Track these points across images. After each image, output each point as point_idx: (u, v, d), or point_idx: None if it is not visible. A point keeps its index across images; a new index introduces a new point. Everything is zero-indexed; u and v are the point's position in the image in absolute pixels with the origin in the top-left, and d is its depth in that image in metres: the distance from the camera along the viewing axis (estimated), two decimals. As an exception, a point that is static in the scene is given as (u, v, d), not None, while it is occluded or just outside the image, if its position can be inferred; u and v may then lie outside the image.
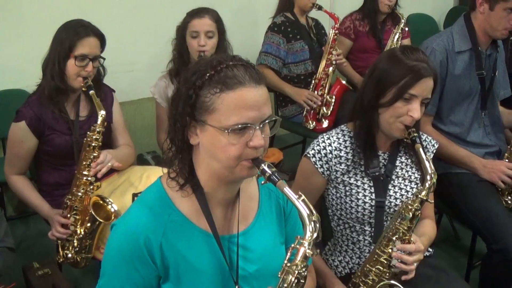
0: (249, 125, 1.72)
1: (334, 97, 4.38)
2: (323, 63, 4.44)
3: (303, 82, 4.64)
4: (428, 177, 2.41)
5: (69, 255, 3.05)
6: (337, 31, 4.45)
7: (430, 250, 2.81)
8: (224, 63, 1.76)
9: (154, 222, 1.84)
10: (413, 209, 2.37)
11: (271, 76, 4.55)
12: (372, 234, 2.58)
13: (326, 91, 4.43)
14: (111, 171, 3.21)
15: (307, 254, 1.74)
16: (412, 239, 2.40)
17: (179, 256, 1.84)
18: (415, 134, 2.47)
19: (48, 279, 3.06)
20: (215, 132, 1.74)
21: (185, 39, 3.72)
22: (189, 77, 1.78)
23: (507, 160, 3.40)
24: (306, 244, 1.74)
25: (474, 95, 3.46)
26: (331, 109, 4.40)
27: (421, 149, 2.46)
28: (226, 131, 1.71)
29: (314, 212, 1.74)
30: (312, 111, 4.43)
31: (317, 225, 1.74)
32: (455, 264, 3.24)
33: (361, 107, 2.55)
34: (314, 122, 4.46)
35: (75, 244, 3.04)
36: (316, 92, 4.48)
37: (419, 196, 2.38)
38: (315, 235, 1.74)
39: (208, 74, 1.74)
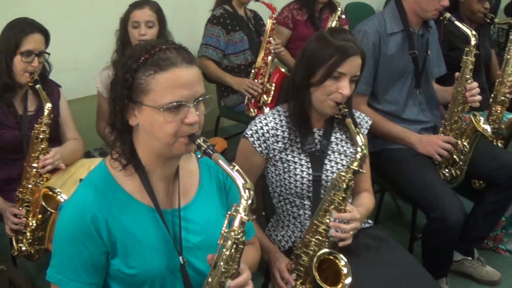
0: (183, 103, 1.90)
1: (273, 84, 4.57)
2: (262, 53, 4.64)
3: (243, 72, 4.83)
4: (359, 149, 2.59)
5: (23, 248, 3.18)
6: (274, 21, 4.64)
7: (370, 222, 3.01)
8: (157, 47, 1.93)
9: (99, 200, 1.99)
10: (346, 180, 2.56)
11: (212, 67, 4.75)
12: (311, 207, 2.77)
13: (266, 80, 4.62)
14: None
15: (244, 220, 1.92)
16: (347, 208, 2.60)
17: (125, 232, 2.00)
18: (346, 110, 2.68)
19: (4, 275, 3.18)
20: (151, 111, 1.90)
21: (127, 30, 3.93)
22: (125, 61, 1.95)
23: (442, 135, 3.63)
24: (241, 210, 1.91)
25: (407, 74, 3.67)
26: (271, 97, 4.59)
27: (351, 123, 2.66)
28: (161, 109, 1.88)
29: (247, 180, 1.92)
30: (253, 100, 4.62)
31: (251, 192, 1.91)
32: (399, 239, 3.44)
33: (294, 88, 2.75)
34: (256, 110, 4.64)
35: (28, 236, 3.17)
36: (256, 80, 4.67)
37: (351, 167, 2.57)
38: (250, 201, 1.91)
39: (142, 58, 1.91)
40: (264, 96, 4.58)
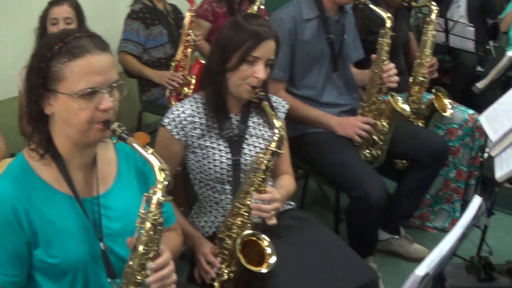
0: (97, 89, 1.94)
1: (194, 76, 4.61)
2: (181, 46, 4.66)
3: (164, 65, 4.85)
4: (276, 131, 2.66)
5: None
6: (193, 14, 4.68)
7: (292, 203, 3.09)
8: (71, 35, 1.97)
9: (18, 190, 2.01)
10: (265, 161, 2.63)
11: (132, 62, 4.78)
12: (232, 192, 2.82)
13: (186, 72, 4.65)
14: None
15: (160, 201, 1.96)
16: (267, 189, 2.67)
17: (46, 221, 2.03)
18: (262, 93, 2.75)
19: None
20: (66, 99, 1.94)
21: (46, 27, 3.94)
22: (40, 50, 1.99)
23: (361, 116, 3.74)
24: (158, 191, 1.96)
25: (324, 59, 3.75)
26: (192, 88, 4.63)
27: (267, 106, 2.73)
28: (76, 96, 1.92)
29: (162, 162, 1.97)
30: (174, 92, 4.65)
31: (167, 172, 1.96)
32: (325, 222, 3.51)
33: (210, 74, 2.81)
34: (177, 102, 4.65)
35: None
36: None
37: (269, 148, 2.64)
38: (166, 183, 1.96)
39: (56, 46, 1.94)
40: (185, 88, 4.61)
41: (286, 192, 2.91)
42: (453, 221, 4.53)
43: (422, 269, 1.86)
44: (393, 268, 4.06)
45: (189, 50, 4.67)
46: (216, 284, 2.70)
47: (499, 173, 3.19)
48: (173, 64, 4.68)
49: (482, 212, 2.41)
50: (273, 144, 2.64)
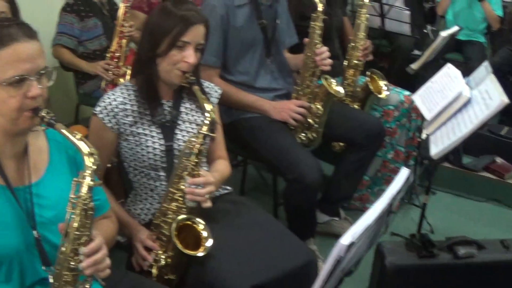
0: (25, 76, 1.96)
1: (129, 67, 4.61)
2: (116, 37, 4.66)
3: (99, 57, 4.82)
4: (207, 114, 2.68)
5: None
6: (127, 4, 4.68)
7: (229, 188, 3.13)
8: None
9: None
10: (197, 145, 2.65)
11: (67, 55, 4.75)
12: (167, 178, 2.84)
13: (122, 63, 4.65)
14: None
15: (90, 185, 1.98)
16: (201, 173, 2.70)
17: None
18: (193, 78, 2.78)
19: None
20: None
21: None
22: None
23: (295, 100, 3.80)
24: (87, 176, 1.98)
25: (258, 44, 3.79)
26: (127, 79, 4.63)
27: (198, 90, 2.76)
28: (4, 84, 1.93)
29: (91, 146, 1.99)
30: (110, 84, 4.64)
31: (96, 157, 1.99)
32: (265, 208, 3.56)
33: (140, 62, 2.83)
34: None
35: None
36: (111, 63, 4.70)
37: (201, 131, 2.67)
38: (94, 167, 1.99)
39: None
40: (121, 79, 4.61)
41: (220, 176, 2.95)
42: (394, 201, 4.63)
43: (347, 239, 1.90)
44: (336, 251, 4.10)
45: (124, 41, 4.67)
46: (153, 270, 2.72)
47: (434, 150, 3.28)
48: (108, 55, 4.66)
49: (409, 183, 2.46)
50: (205, 128, 2.67)
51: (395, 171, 4.49)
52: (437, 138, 3.35)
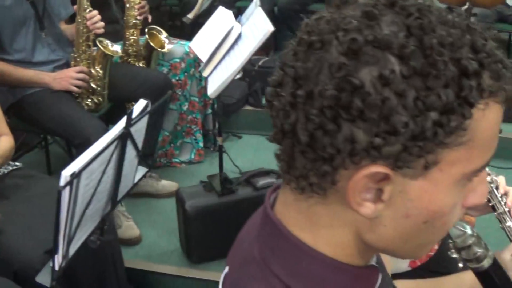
0: None
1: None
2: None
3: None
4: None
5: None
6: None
7: (18, 164, 3.19)
8: None
9: None
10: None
11: None
12: None
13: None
14: None
15: None
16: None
17: None
18: None
19: None
20: None
21: None
22: None
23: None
24: None
25: (30, 20, 3.79)
26: None
27: None
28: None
29: None
30: None
31: None
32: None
33: None
34: None
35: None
36: None
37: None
38: None
39: None
40: None
41: (1, 152, 3.00)
42: (199, 152, 4.83)
43: (69, 170, 2.02)
44: (146, 208, 4.27)
45: None
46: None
47: (211, 90, 3.46)
48: None
49: (146, 113, 2.65)
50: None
51: (194, 122, 4.72)
52: (214, 78, 3.53)
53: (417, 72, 0.82)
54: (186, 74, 4.60)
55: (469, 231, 1.16)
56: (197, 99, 4.72)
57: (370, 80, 0.82)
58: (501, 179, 2.20)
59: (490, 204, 2.13)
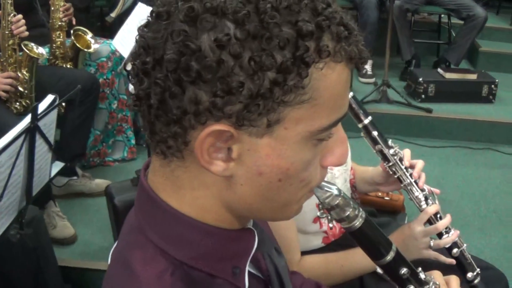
0: None
1: None
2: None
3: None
4: None
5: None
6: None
7: None
8: None
9: None
10: None
11: None
12: None
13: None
14: None
15: None
16: None
17: None
18: None
19: None
20: None
21: None
22: None
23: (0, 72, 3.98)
24: None
25: None
26: None
27: None
28: None
29: None
30: None
31: None
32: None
33: None
34: None
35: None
36: None
37: None
38: None
39: None
40: None
41: None
42: (131, 149, 4.96)
43: None
44: (81, 208, 4.38)
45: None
46: None
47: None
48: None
49: (54, 108, 2.79)
50: None
51: (124, 120, 4.84)
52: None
53: (252, 34, 0.91)
54: (113, 72, 4.72)
55: (335, 191, 1.19)
56: (125, 97, 4.84)
57: (209, 44, 0.91)
58: (406, 152, 2.37)
59: (396, 176, 2.32)
